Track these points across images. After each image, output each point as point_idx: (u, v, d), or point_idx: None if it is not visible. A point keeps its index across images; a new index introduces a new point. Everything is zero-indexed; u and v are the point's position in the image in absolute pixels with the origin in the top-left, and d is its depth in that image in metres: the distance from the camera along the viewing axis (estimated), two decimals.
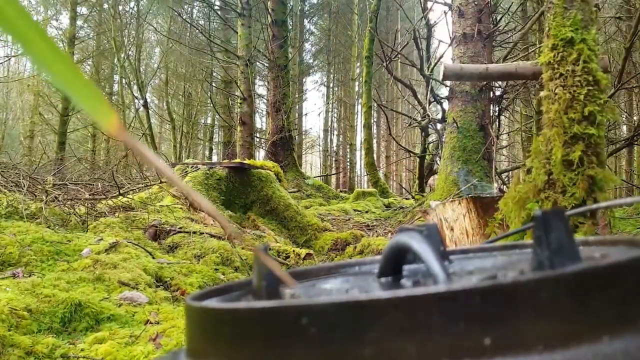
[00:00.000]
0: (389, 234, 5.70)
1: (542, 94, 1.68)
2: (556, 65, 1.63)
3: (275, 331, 0.29)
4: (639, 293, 0.29)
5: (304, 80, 24.03)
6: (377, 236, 5.53)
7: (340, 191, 13.38)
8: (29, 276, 2.50)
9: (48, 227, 3.51)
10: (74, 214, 3.92)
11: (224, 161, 6.40)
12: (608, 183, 1.67)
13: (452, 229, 3.15)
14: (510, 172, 10.33)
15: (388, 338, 0.27)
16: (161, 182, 4.51)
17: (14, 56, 15.43)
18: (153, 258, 3.25)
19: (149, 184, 4.84)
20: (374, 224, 6.63)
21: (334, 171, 21.45)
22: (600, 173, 1.62)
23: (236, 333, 0.31)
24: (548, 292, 0.27)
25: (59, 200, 3.95)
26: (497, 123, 7.48)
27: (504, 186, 6.48)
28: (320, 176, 18.04)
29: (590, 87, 1.58)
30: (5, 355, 1.76)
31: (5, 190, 4.03)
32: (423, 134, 13.08)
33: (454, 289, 0.27)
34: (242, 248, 4.03)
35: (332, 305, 0.28)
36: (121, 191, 4.25)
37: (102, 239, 3.35)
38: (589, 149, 1.62)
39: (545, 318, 0.27)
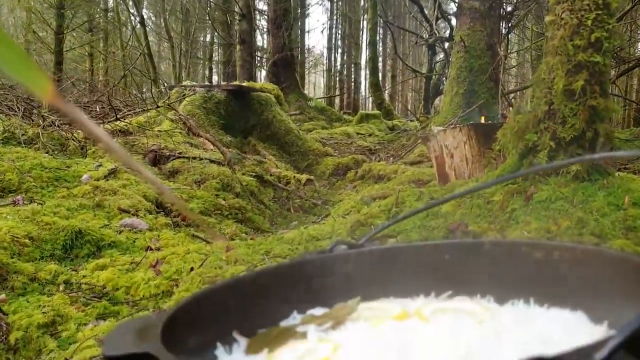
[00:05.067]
0: (391, 158, 5.68)
1: (547, 19, 1.57)
2: None
3: None
4: None
5: None
6: (378, 161, 5.53)
7: (344, 113, 13.19)
8: (29, 203, 2.53)
9: (46, 153, 3.51)
10: (72, 139, 3.91)
11: (223, 84, 6.26)
12: (610, 113, 1.61)
13: (452, 156, 3.13)
14: (517, 92, 10.07)
15: None
16: (158, 107, 4.44)
17: None
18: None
19: (145, 107, 4.77)
20: (377, 147, 6.59)
21: (338, 92, 21.03)
22: (602, 103, 1.56)
23: None
24: None
25: (56, 125, 3.92)
26: (506, 42, 7.16)
27: (510, 108, 6.35)
28: (324, 97, 17.73)
29: (599, 12, 1.47)
30: (10, 282, 1.82)
31: (1, 114, 3.99)
32: (430, 52, 12.64)
33: None
34: (243, 174, 4.05)
35: None
36: (118, 115, 4.20)
37: (101, 165, 3.36)
38: (593, 78, 1.54)
39: None
